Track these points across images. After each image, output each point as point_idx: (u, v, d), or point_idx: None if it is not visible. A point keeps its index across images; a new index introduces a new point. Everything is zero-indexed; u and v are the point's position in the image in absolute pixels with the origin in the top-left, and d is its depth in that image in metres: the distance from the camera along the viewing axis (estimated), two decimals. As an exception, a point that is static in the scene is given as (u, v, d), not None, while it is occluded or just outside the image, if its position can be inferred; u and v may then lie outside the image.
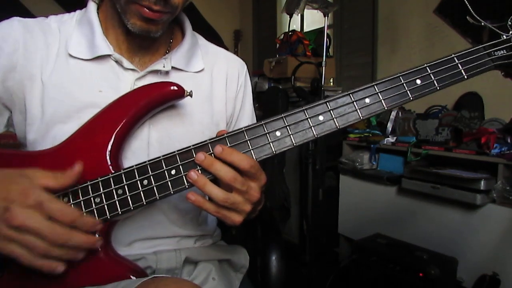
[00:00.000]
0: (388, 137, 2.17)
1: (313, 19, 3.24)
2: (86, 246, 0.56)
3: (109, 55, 0.71)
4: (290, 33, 2.81)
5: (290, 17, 2.54)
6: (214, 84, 0.81)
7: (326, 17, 2.24)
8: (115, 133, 0.64)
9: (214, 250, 0.83)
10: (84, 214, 0.59)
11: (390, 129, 2.22)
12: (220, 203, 0.58)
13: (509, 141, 1.70)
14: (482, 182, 1.62)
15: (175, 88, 0.66)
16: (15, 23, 0.70)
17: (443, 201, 1.79)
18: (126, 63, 0.71)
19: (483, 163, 1.68)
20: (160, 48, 0.77)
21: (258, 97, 2.70)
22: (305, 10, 2.25)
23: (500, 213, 1.60)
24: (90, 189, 0.61)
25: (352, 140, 2.36)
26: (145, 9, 0.64)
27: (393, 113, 2.22)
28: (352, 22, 2.91)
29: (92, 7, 0.74)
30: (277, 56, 2.85)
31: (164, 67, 0.73)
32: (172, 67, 0.74)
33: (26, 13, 3.00)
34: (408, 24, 2.44)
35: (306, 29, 3.27)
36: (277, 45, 2.95)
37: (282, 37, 2.92)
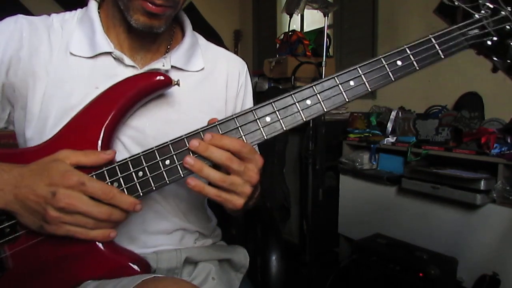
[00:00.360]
0: (388, 137, 2.17)
1: (313, 19, 3.24)
2: (126, 216, 0.60)
3: (109, 53, 0.71)
4: (290, 33, 2.81)
5: (290, 17, 2.54)
6: (214, 83, 0.81)
7: (326, 17, 2.25)
8: (104, 125, 0.64)
9: (214, 250, 0.83)
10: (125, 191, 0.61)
11: (390, 129, 2.22)
12: (219, 183, 0.58)
13: (509, 141, 1.70)
14: (482, 182, 1.62)
15: (162, 78, 0.66)
16: (21, 19, 0.71)
17: (443, 201, 1.79)
18: (127, 60, 0.72)
19: (483, 163, 1.68)
20: (161, 47, 0.77)
21: (258, 97, 2.69)
22: (305, 10, 2.25)
23: (500, 213, 1.60)
24: None
25: (352, 140, 2.36)
26: (148, 3, 0.64)
27: (393, 113, 2.22)
28: (352, 22, 2.91)
29: (93, 5, 0.74)
30: (277, 56, 2.85)
31: (163, 66, 0.73)
32: (172, 66, 0.74)
33: (26, 13, 3.00)
34: (408, 24, 2.45)
35: (306, 29, 3.27)
36: (277, 45, 2.95)
37: (282, 37, 2.92)
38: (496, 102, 2.00)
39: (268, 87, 2.82)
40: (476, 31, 0.66)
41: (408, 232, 1.92)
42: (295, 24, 3.00)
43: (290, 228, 2.59)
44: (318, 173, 2.30)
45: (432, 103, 2.22)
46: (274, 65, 2.79)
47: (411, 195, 1.95)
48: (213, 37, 3.93)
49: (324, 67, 2.25)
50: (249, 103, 0.88)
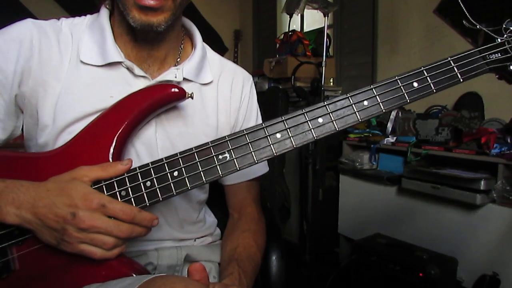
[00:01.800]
0: (388, 137, 2.17)
1: (313, 19, 3.24)
2: (147, 231, 0.61)
3: (120, 62, 0.71)
4: (290, 33, 2.82)
5: (290, 17, 2.54)
6: (219, 96, 0.81)
7: (326, 17, 2.25)
8: (117, 135, 0.65)
9: (214, 249, 0.84)
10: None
11: (390, 129, 2.22)
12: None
13: (509, 141, 1.70)
14: (482, 182, 1.62)
15: (176, 90, 0.67)
16: (30, 25, 0.69)
17: (443, 201, 1.79)
18: (137, 70, 0.71)
19: (483, 163, 1.68)
20: (168, 57, 0.77)
21: (258, 97, 2.69)
22: (305, 10, 2.25)
23: (500, 213, 1.60)
24: None
25: (352, 140, 2.36)
26: None
27: (393, 113, 2.21)
28: (352, 22, 2.91)
29: (104, 13, 0.74)
30: (277, 56, 2.85)
31: (176, 77, 0.73)
32: (184, 78, 0.74)
33: (27, 14, 3.00)
34: (408, 24, 2.45)
35: (306, 29, 3.27)
36: (277, 45, 2.95)
37: (282, 37, 2.92)
38: (496, 102, 2.00)
39: (268, 87, 2.83)
40: (498, 55, 0.65)
41: (408, 232, 1.92)
42: (295, 24, 3.00)
43: (290, 228, 2.59)
44: (318, 173, 2.30)
45: (432, 103, 2.22)
46: (274, 65, 2.80)
47: (411, 195, 1.95)
48: (213, 37, 3.93)
49: (324, 67, 2.25)
50: (254, 117, 0.87)
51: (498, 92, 1.98)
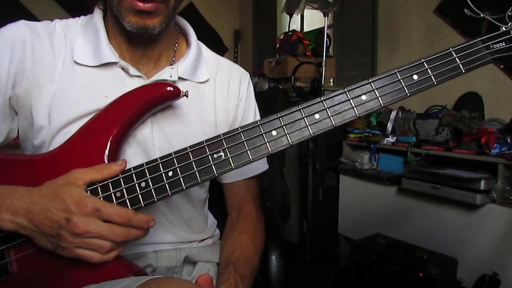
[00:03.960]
0: (388, 137, 2.17)
1: (313, 19, 3.24)
2: (144, 233, 0.60)
3: (115, 62, 0.71)
4: (290, 33, 2.82)
5: (290, 17, 2.54)
6: (217, 94, 0.81)
7: (326, 17, 2.25)
8: (112, 135, 0.64)
9: (213, 250, 0.84)
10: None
11: (390, 129, 2.21)
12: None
13: (509, 141, 1.70)
14: (482, 182, 1.62)
15: (171, 88, 0.67)
16: (23, 26, 0.69)
17: (443, 201, 1.79)
18: (132, 70, 0.71)
19: (483, 163, 1.68)
20: (163, 57, 0.76)
21: (259, 97, 2.69)
22: (305, 10, 2.25)
23: (500, 213, 1.60)
24: (88, 193, 0.61)
25: (352, 140, 2.36)
26: (136, 1, 0.63)
27: (393, 113, 2.22)
28: (352, 22, 2.91)
29: (98, 14, 0.74)
30: (277, 56, 2.85)
31: (171, 76, 0.73)
32: (179, 77, 0.74)
33: (27, 14, 3.00)
34: (408, 24, 2.44)
35: (306, 29, 3.27)
36: (277, 45, 2.95)
37: (282, 37, 2.92)
38: (496, 102, 2.00)
39: (268, 87, 2.83)
40: (502, 44, 0.63)
41: (408, 232, 1.92)
42: (295, 24, 3.00)
43: (290, 228, 2.59)
44: (318, 173, 2.30)
45: (432, 103, 2.21)
46: (274, 65, 2.79)
47: (411, 195, 1.95)
48: (213, 37, 3.93)
49: (324, 67, 2.25)
50: (252, 114, 0.87)
51: (498, 92, 1.98)
